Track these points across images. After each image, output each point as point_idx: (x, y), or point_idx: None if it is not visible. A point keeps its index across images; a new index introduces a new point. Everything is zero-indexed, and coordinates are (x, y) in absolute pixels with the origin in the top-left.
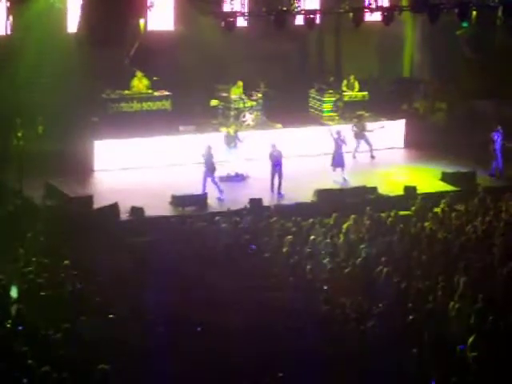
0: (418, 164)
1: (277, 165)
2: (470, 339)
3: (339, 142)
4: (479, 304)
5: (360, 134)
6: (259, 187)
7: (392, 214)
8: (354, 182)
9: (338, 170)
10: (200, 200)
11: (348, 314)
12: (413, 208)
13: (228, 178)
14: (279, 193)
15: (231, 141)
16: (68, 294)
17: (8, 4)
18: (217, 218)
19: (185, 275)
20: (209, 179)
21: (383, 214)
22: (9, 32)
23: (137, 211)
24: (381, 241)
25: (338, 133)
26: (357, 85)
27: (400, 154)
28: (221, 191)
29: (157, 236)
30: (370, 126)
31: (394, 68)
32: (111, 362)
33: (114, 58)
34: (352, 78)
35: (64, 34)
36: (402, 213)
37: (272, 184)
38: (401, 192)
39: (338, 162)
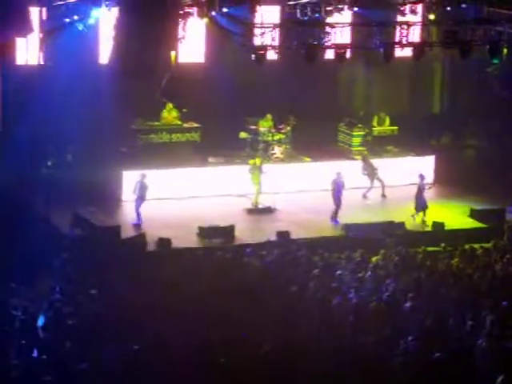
0: (447, 200)
1: (337, 192)
2: (499, 379)
3: (422, 185)
4: (507, 343)
5: (370, 173)
6: (287, 220)
7: (420, 249)
8: (382, 217)
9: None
10: (227, 232)
11: (374, 349)
12: (442, 244)
13: (255, 211)
14: (335, 220)
15: (255, 171)
16: (94, 324)
17: (41, 35)
18: (246, 250)
19: (211, 308)
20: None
21: (411, 250)
22: (42, 62)
23: (164, 242)
24: (408, 276)
25: (421, 176)
26: (388, 120)
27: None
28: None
29: (183, 268)
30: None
31: (425, 103)
32: None
33: (145, 90)
34: (383, 114)
35: (96, 64)
36: (429, 249)
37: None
38: (429, 228)
39: (421, 205)
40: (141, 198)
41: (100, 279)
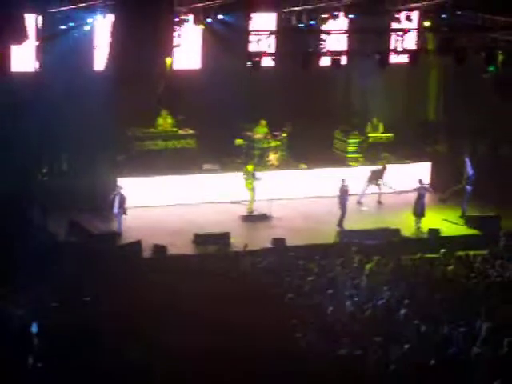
0: (443, 207)
1: (344, 199)
2: None
3: (422, 190)
4: (503, 350)
5: (374, 181)
6: (282, 227)
7: (415, 256)
8: (378, 223)
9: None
10: (222, 239)
11: (369, 356)
12: (440, 251)
13: (250, 218)
14: (339, 225)
15: (249, 178)
16: (91, 331)
17: (37, 42)
18: (241, 257)
19: (206, 316)
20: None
21: (406, 257)
22: (37, 69)
23: (159, 249)
24: (403, 283)
25: (420, 181)
26: (381, 127)
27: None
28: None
29: (179, 275)
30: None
31: (420, 110)
32: None
33: (141, 96)
34: (375, 120)
35: (91, 71)
36: (425, 256)
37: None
38: (424, 235)
39: (420, 211)
40: (121, 210)
41: (96, 286)
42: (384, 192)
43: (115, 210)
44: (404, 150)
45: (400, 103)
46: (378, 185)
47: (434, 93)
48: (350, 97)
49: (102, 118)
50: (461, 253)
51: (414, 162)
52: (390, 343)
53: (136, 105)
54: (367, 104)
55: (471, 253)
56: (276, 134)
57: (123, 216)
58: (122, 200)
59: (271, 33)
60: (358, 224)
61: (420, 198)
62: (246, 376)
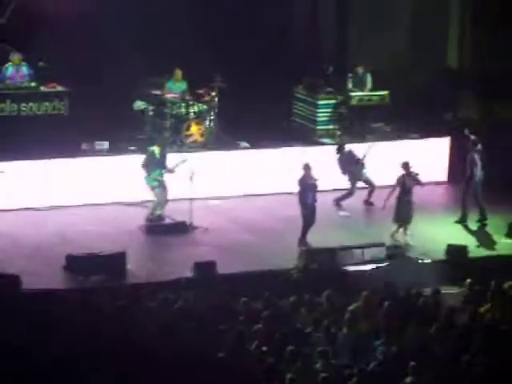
0: (471, 210)
1: (306, 198)
2: None
3: (409, 182)
4: None
5: (346, 164)
6: (210, 244)
7: (427, 290)
8: (366, 236)
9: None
10: (113, 264)
11: None
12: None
13: (158, 228)
14: (302, 241)
15: (154, 165)
16: None
17: None
18: (143, 293)
19: None
20: None
21: (412, 292)
22: None
23: (8, 281)
24: (409, 334)
25: (405, 165)
26: (369, 80)
27: (441, 192)
28: None
29: (41, 323)
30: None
31: (434, 55)
32: None
33: None
34: (360, 68)
35: None
36: (443, 288)
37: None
38: (441, 255)
39: (403, 214)
40: None
41: None
42: (373, 184)
43: None
44: (409, 116)
45: (402, 42)
46: (362, 174)
47: (456, 25)
48: (318, 28)
49: None
50: (503, 285)
51: (425, 136)
52: None
53: None
54: (348, 42)
55: None
56: (200, 91)
57: None
58: None
59: None
60: (333, 238)
61: (405, 194)
62: None
